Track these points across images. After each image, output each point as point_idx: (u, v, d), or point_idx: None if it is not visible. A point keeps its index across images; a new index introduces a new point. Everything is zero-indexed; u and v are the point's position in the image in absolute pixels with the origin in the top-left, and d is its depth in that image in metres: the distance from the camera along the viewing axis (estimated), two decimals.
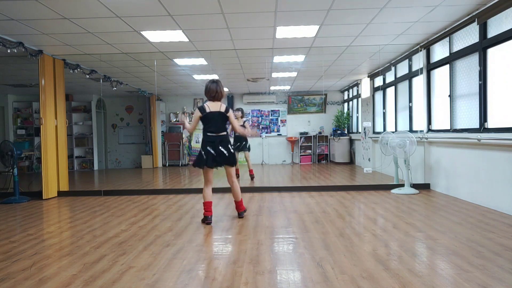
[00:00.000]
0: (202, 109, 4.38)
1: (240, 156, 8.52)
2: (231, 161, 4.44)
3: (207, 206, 4.39)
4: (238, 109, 8.14)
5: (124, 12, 4.77)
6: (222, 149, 4.35)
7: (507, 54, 4.60)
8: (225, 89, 11.61)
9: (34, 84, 9.55)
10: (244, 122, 7.84)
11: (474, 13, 5.01)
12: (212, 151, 4.33)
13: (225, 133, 4.43)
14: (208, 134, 4.38)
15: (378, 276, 2.64)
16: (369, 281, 2.56)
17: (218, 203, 5.64)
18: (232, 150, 4.46)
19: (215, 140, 4.35)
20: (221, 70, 8.87)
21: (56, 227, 4.42)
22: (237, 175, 8.27)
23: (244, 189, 6.74)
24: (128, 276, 2.76)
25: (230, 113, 4.45)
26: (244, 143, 8.16)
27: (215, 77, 9.51)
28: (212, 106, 4.39)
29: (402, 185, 6.38)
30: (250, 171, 8.40)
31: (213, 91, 4.41)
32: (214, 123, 4.38)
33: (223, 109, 4.40)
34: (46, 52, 6.49)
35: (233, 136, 8.11)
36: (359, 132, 10.67)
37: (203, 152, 4.35)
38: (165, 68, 8.31)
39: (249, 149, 8.34)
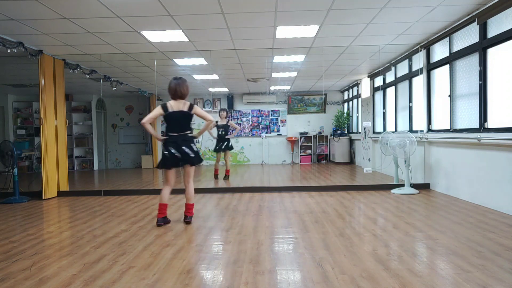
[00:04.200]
0: (164, 107, 4.24)
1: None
2: (195, 161, 4.32)
3: (162, 208, 4.29)
4: (222, 109, 8.49)
5: (124, 12, 4.77)
6: (186, 149, 4.21)
7: (507, 54, 4.60)
8: (225, 89, 11.74)
9: (34, 84, 9.54)
10: (228, 121, 8.32)
11: (474, 13, 5.01)
12: (175, 152, 4.21)
13: (188, 132, 4.29)
14: (170, 134, 4.26)
15: (378, 276, 2.64)
16: (369, 281, 2.56)
17: (218, 203, 5.64)
18: (196, 149, 4.32)
19: (176, 140, 4.22)
20: (221, 70, 8.87)
21: (56, 227, 4.42)
22: (227, 176, 8.39)
23: (244, 189, 6.76)
24: (128, 276, 2.76)
25: (196, 109, 4.28)
26: (226, 143, 8.28)
27: (215, 77, 9.52)
28: (175, 105, 4.24)
29: (402, 185, 6.38)
30: (227, 171, 8.45)
31: (172, 90, 4.26)
32: (177, 123, 4.25)
33: (186, 108, 4.23)
34: (46, 52, 6.49)
35: (217, 137, 8.22)
36: (359, 132, 10.66)
37: (166, 153, 4.24)
38: (165, 68, 8.31)
39: (231, 148, 8.43)
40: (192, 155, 4.28)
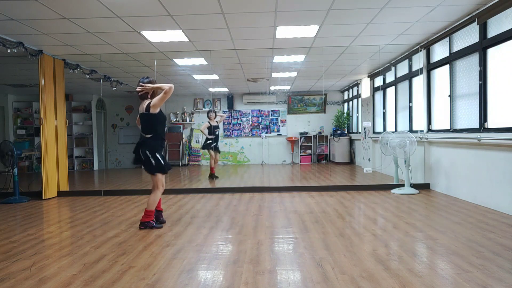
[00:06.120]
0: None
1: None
2: (146, 167, 4.15)
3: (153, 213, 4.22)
4: (211, 111, 8.61)
5: (124, 12, 4.77)
6: (140, 152, 4.12)
7: (507, 54, 4.60)
8: (225, 89, 11.73)
9: (34, 84, 9.54)
10: (216, 120, 8.55)
11: (474, 13, 5.01)
12: (135, 152, 4.20)
13: (149, 135, 4.12)
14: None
15: (378, 276, 2.64)
16: (369, 281, 2.56)
17: (218, 203, 5.64)
18: (150, 158, 4.08)
19: (138, 142, 4.18)
20: (221, 70, 8.87)
21: (56, 227, 4.42)
22: (214, 176, 8.45)
23: (244, 189, 6.76)
24: (128, 276, 2.76)
25: (152, 102, 4.03)
26: (209, 142, 8.38)
27: (215, 77, 9.52)
28: (140, 107, 4.17)
29: (402, 185, 6.38)
30: (212, 168, 8.56)
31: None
32: (141, 125, 4.19)
33: (144, 109, 4.08)
34: (46, 52, 6.49)
35: (214, 136, 8.35)
36: (359, 132, 10.66)
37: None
38: (165, 68, 8.31)
39: (218, 151, 8.57)
40: (143, 159, 4.12)
